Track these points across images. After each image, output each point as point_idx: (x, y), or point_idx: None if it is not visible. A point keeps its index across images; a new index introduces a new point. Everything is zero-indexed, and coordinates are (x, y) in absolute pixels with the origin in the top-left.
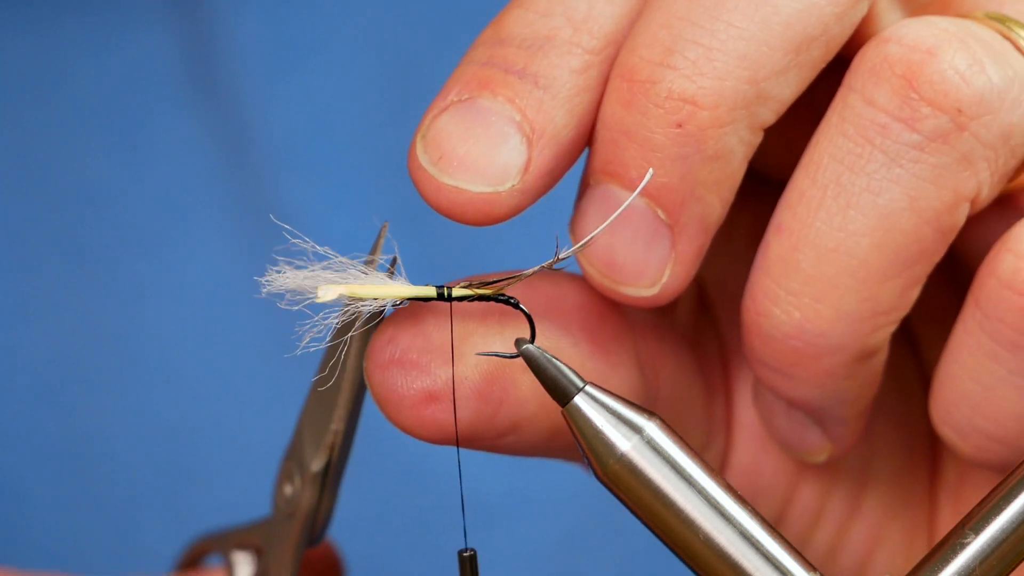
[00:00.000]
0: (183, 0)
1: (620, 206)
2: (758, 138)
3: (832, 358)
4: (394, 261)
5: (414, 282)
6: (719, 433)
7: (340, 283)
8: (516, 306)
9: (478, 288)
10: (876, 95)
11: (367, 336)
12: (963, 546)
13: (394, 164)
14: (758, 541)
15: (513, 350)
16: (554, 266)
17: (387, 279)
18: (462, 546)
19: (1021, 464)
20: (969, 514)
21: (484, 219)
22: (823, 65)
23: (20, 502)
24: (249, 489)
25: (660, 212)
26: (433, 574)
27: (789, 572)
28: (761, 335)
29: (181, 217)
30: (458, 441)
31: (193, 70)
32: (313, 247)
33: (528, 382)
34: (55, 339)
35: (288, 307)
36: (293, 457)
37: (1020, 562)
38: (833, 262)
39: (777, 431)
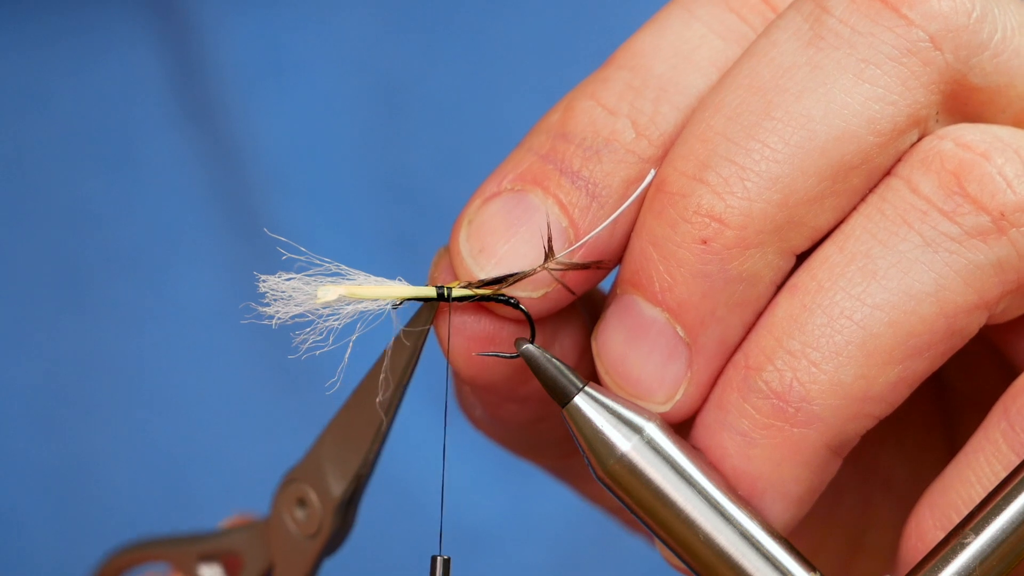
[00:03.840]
0: (170, 21)
1: (643, 322)
2: (789, 264)
3: (805, 430)
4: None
5: (413, 283)
6: None
7: (340, 284)
8: (516, 306)
9: (477, 288)
10: (921, 184)
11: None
12: (963, 546)
13: (384, 182)
14: (758, 541)
15: (514, 350)
16: (550, 267)
17: (386, 280)
18: (452, 566)
19: (1021, 464)
20: (969, 514)
21: (514, 319)
22: (865, 192)
23: (15, 527)
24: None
25: (679, 329)
26: None
27: (789, 572)
28: (743, 389)
29: (172, 239)
30: (445, 441)
31: (182, 91)
32: (310, 258)
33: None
34: (48, 363)
35: (282, 318)
36: (308, 479)
37: (1020, 562)
38: (843, 330)
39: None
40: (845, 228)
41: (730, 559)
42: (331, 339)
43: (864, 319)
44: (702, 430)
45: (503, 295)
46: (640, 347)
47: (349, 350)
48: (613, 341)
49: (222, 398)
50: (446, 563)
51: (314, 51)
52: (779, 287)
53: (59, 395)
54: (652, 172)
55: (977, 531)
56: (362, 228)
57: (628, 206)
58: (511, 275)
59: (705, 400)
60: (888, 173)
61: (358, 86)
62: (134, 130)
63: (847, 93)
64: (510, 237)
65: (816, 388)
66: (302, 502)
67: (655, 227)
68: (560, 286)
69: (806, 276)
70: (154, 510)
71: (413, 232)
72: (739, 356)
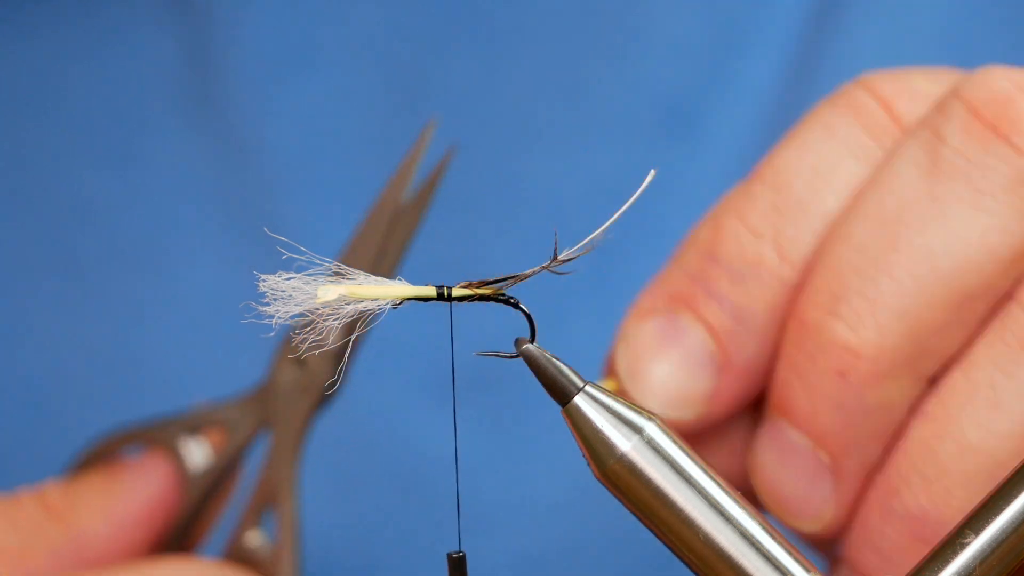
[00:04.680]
0: (179, 12)
1: (791, 446)
2: (921, 387)
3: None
4: (448, 153)
5: (413, 283)
6: None
7: (340, 283)
8: (516, 306)
9: (478, 288)
10: None
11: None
12: (963, 546)
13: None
14: (758, 541)
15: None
16: (553, 267)
17: (386, 280)
18: (457, 549)
19: (1021, 464)
20: (969, 514)
21: (678, 425)
22: (988, 316)
23: None
24: None
25: (823, 455)
26: None
27: (789, 572)
28: (883, 512)
29: (178, 231)
30: (457, 442)
31: (189, 83)
32: (311, 257)
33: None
34: (51, 354)
35: (282, 318)
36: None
37: (1020, 562)
38: (972, 459)
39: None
40: (970, 355)
41: (730, 559)
42: (331, 339)
43: (993, 449)
44: (848, 547)
45: (503, 295)
46: (789, 469)
47: (349, 350)
48: (766, 461)
49: (228, 390)
50: (461, 560)
51: (326, 44)
52: (914, 408)
53: (62, 386)
54: (652, 172)
55: (977, 531)
56: None
57: (629, 206)
58: (512, 276)
59: (851, 517)
60: (1008, 297)
61: (369, 79)
62: (142, 121)
63: (966, 225)
64: (662, 358)
65: (949, 513)
66: (297, 362)
67: (796, 358)
68: (710, 408)
69: (936, 404)
70: None
71: (428, 227)
72: (880, 478)
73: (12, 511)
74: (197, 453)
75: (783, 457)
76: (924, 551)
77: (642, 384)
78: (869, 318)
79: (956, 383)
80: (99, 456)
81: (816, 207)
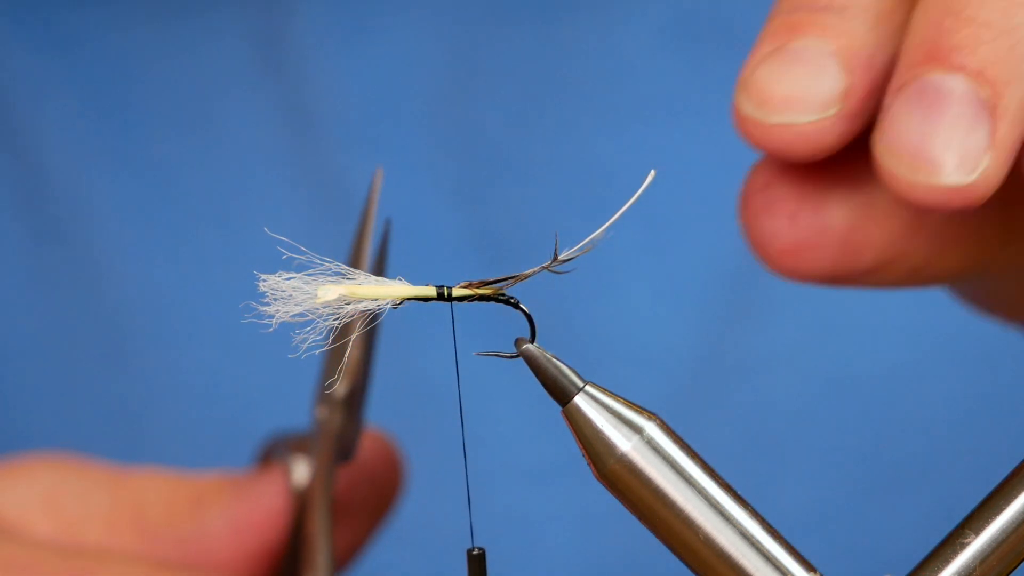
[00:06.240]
0: None
1: (942, 96)
2: None
3: None
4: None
5: (413, 283)
6: None
7: (340, 283)
8: (516, 306)
9: (478, 288)
10: None
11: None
12: (963, 546)
13: (456, 141)
14: (758, 541)
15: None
16: (553, 267)
17: (386, 280)
18: (474, 546)
19: (1021, 464)
20: (969, 514)
21: (815, 148)
22: None
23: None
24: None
25: (982, 91)
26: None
27: (789, 572)
28: None
29: (249, 194)
30: (465, 436)
31: (261, 49)
32: (311, 258)
33: (886, 228)
34: (118, 303)
35: (282, 318)
36: (321, 384)
37: (1020, 562)
38: None
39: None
40: None
41: (730, 559)
42: (331, 339)
43: None
44: None
45: (503, 295)
46: (940, 123)
47: (349, 349)
48: (908, 126)
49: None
50: (481, 557)
51: (394, 8)
52: None
53: (127, 333)
54: (652, 172)
55: (977, 531)
56: (436, 185)
57: (629, 207)
58: (512, 276)
59: (1006, 171)
60: None
61: (436, 44)
62: (214, 87)
63: None
64: (786, 79)
65: None
66: (321, 405)
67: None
68: (847, 105)
69: None
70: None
71: (483, 187)
72: None
73: (175, 489)
74: (301, 471)
75: (930, 114)
76: None
77: (777, 107)
78: None
79: None
80: (264, 458)
81: None
